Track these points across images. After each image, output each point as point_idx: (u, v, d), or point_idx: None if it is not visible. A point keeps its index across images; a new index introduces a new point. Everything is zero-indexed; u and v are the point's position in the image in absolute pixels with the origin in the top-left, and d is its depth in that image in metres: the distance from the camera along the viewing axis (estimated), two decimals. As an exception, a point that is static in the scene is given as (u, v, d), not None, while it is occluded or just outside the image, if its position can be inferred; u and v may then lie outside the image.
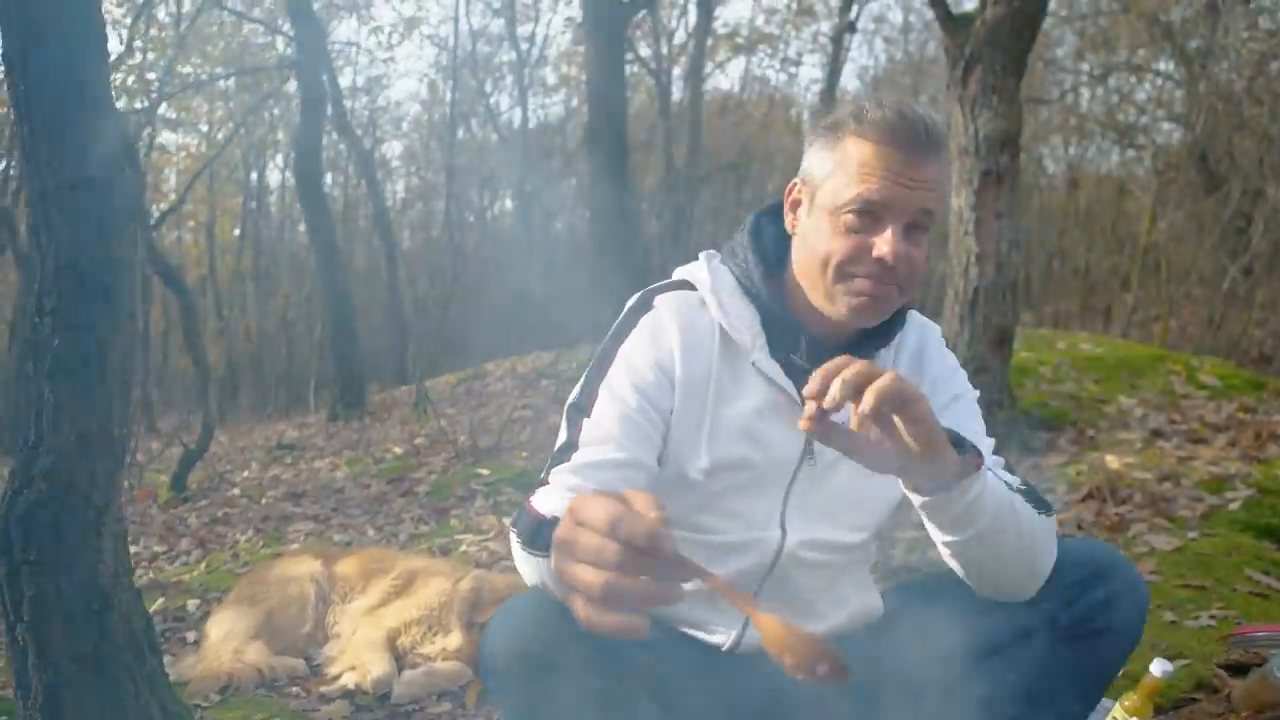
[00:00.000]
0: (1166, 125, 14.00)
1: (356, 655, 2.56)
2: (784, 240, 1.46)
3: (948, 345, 1.58)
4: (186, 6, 9.49)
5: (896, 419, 1.07)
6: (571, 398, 1.43)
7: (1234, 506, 3.50)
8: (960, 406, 1.50)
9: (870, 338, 1.45)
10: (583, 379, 1.44)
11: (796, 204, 1.43)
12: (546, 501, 1.26)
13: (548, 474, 1.34)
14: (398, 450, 5.81)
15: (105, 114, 1.73)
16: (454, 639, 2.59)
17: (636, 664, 1.23)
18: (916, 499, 1.24)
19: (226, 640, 2.64)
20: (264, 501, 4.93)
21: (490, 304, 14.98)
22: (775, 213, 1.50)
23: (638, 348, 1.42)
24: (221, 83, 12.59)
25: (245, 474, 6.08)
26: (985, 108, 4.17)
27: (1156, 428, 4.60)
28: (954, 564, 1.34)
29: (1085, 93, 15.39)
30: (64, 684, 1.68)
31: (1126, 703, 1.48)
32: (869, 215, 1.31)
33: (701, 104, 14.43)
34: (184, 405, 12.03)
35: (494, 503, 4.31)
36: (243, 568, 3.71)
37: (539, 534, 1.18)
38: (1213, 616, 2.58)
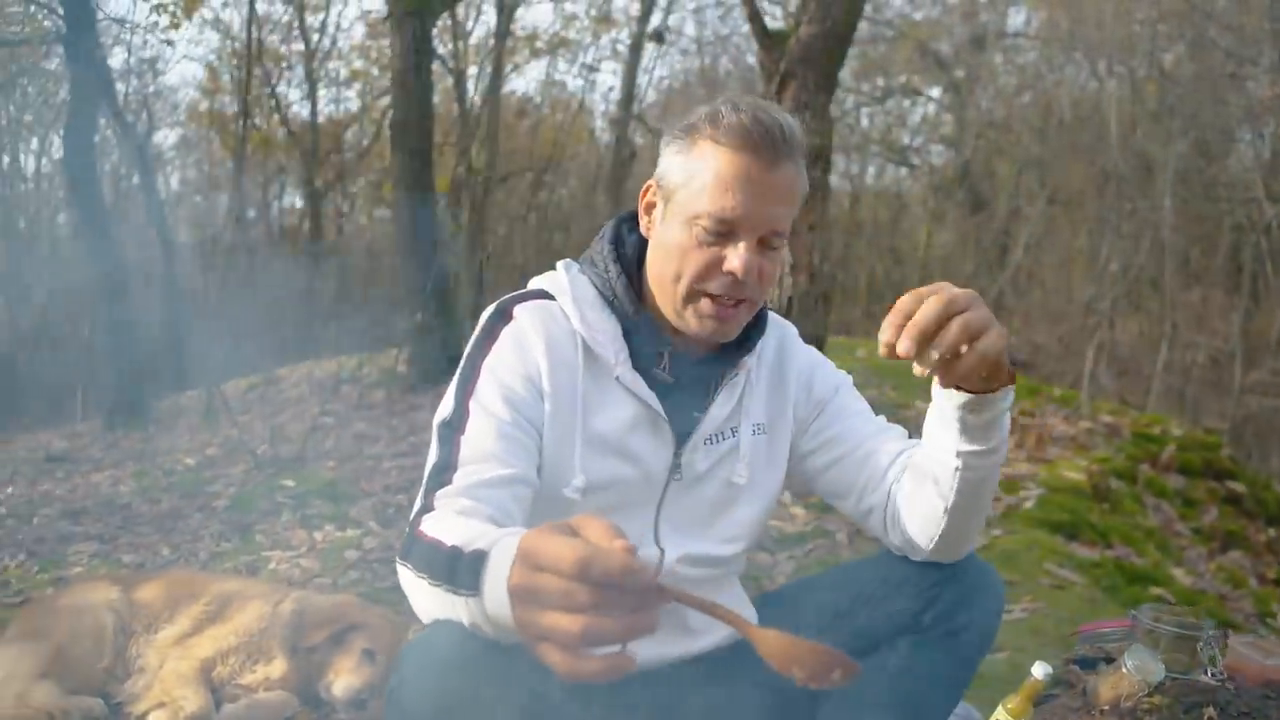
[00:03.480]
0: (938, 148, 15.13)
1: (166, 690, 2.32)
2: (644, 246, 1.44)
3: None
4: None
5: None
6: (441, 415, 1.35)
7: (1029, 505, 3.79)
8: (845, 391, 1.56)
9: (733, 347, 1.45)
10: (450, 395, 1.36)
11: (651, 206, 1.42)
12: (445, 528, 1.12)
13: (429, 498, 1.24)
14: (189, 461, 5.37)
15: None
16: (277, 666, 2.39)
17: (557, 699, 1.16)
18: (960, 398, 1.24)
19: (7, 681, 2.33)
20: (35, 521, 4.42)
21: (278, 306, 14.21)
22: (635, 218, 1.48)
23: (503, 360, 1.36)
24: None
25: (9, 490, 5.44)
26: (799, 123, 4.32)
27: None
28: (949, 494, 1.34)
29: (865, 112, 16.42)
30: None
31: (1009, 704, 1.54)
32: (723, 227, 1.31)
33: (500, 105, 14.27)
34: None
35: (302, 516, 4.06)
36: (15, 597, 3.31)
37: (456, 568, 1.02)
38: (1024, 609, 2.76)
